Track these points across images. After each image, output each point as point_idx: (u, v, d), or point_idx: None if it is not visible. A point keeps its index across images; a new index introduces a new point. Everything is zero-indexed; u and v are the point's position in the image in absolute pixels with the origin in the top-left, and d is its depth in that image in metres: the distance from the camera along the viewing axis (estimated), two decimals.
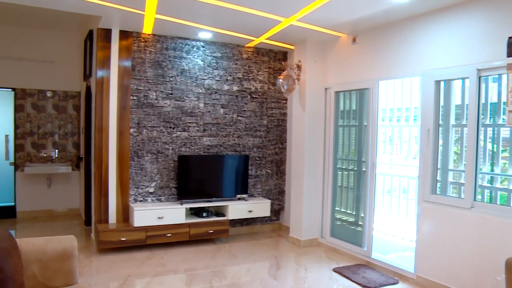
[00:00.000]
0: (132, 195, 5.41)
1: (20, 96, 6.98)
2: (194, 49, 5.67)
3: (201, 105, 5.74)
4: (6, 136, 6.95)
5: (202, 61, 5.72)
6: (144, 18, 4.69)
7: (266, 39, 5.50)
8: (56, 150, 7.15)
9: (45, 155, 7.08)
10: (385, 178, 6.10)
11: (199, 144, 5.74)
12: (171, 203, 5.47)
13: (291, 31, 5.09)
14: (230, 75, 5.91)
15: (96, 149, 5.22)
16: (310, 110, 5.50)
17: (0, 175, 6.98)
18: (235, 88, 5.94)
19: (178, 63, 5.59)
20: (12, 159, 6.99)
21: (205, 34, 5.40)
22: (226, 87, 5.88)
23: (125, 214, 5.34)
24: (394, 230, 5.86)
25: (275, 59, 6.18)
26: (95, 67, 5.23)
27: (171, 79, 5.55)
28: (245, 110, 6.01)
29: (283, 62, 5.61)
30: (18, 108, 6.97)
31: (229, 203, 5.65)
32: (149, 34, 5.39)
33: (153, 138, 5.48)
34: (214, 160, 5.81)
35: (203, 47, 5.72)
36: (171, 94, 5.55)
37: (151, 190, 5.50)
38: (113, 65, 5.23)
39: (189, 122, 5.67)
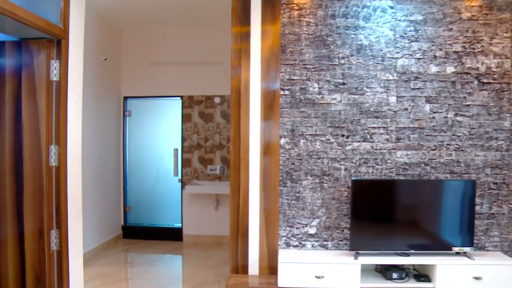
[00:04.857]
0: (283, 236, 3.68)
1: (187, 105, 6.09)
2: (378, 12, 3.63)
3: (392, 99, 3.64)
4: (176, 150, 6.14)
5: (391, 29, 3.63)
6: None
7: None
8: (225, 166, 6.00)
9: (211, 171, 6.00)
10: None
11: (389, 161, 3.64)
12: (340, 254, 3.52)
13: None
14: (441, 49, 3.62)
15: (232, 168, 3.68)
16: None
17: (169, 193, 6.21)
18: (449, 69, 3.62)
19: (353, 36, 3.64)
20: (180, 175, 6.15)
21: None
22: (433, 69, 3.62)
23: (272, 262, 3.64)
24: None
25: None
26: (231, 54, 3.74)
27: (342, 61, 3.64)
28: (468, 105, 3.62)
29: None
30: (185, 118, 6.10)
31: (438, 260, 3.35)
32: None
33: (315, 152, 3.65)
34: (415, 187, 3.60)
35: (391, 7, 3.63)
36: (343, 84, 3.64)
37: (312, 231, 3.66)
38: (254, 48, 3.64)
39: (372, 127, 3.64)
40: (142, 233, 6.16)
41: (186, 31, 6.02)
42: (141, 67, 6.13)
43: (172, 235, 6.09)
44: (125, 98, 6.19)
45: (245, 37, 3.72)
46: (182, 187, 6.07)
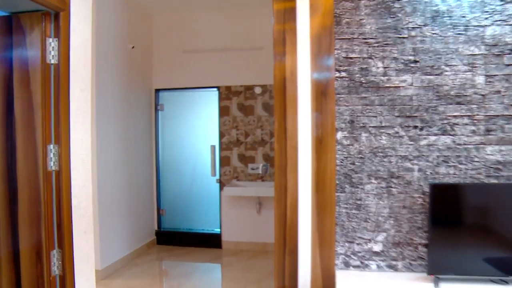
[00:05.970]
0: (341, 254, 2.97)
1: (225, 96, 5.46)
2: None
3: (479, 79, 2.84)
4: (213, 147, 5.54)
5: None
6: None
7: None
8: (268, 165, 5.33)
9: (252, 170, 5.36)
10: None
11: (476, 159, 2.86)
12: (414, 278, 2.78)
13: None
14: None
15: (277, 169, 3.00)
16: None
17: (206, 195, 5.62)
18: None
19: (426, 1, 2.88)
20: (218, 175, 5.54)
21: None
22: None
23: (327, 285, 2.95)
24: None
25: None
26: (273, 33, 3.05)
27: (413, 33, 2.88)
28: None
29: None
30: (222, 111, 5.48)
31: None
32: None
33: (380, 148, 2.92)
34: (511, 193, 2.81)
35: None
36: (414, 62, 2.88)
37: (378, 247, 2.94)
38: (302, 25, 2.94)
39: (454, 116, 2.87)
40: (177, 239, 5.60)
41: (222, 14, 5.40)
42: (174, 55, 5.56)
43: (211, 241, 5.50)
44: (157, 90, 5.64)
45: (290, 13, 3.02)
46: (221, 188, 5.47)
